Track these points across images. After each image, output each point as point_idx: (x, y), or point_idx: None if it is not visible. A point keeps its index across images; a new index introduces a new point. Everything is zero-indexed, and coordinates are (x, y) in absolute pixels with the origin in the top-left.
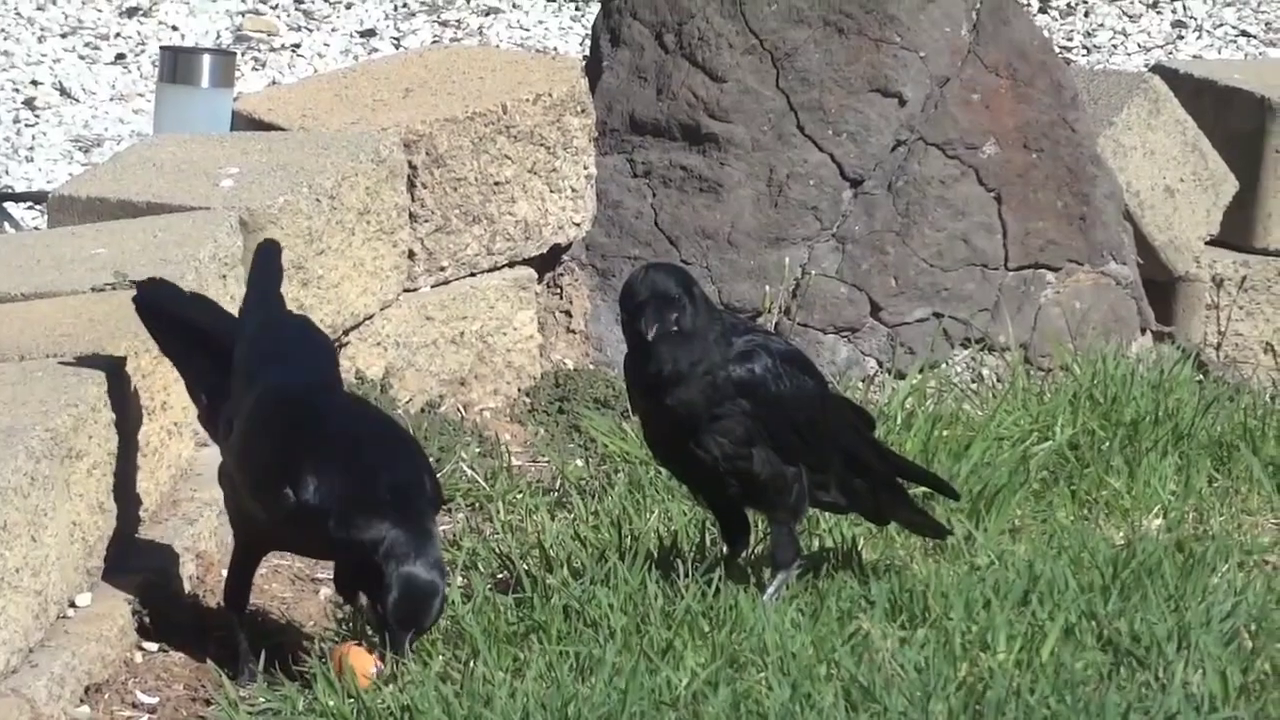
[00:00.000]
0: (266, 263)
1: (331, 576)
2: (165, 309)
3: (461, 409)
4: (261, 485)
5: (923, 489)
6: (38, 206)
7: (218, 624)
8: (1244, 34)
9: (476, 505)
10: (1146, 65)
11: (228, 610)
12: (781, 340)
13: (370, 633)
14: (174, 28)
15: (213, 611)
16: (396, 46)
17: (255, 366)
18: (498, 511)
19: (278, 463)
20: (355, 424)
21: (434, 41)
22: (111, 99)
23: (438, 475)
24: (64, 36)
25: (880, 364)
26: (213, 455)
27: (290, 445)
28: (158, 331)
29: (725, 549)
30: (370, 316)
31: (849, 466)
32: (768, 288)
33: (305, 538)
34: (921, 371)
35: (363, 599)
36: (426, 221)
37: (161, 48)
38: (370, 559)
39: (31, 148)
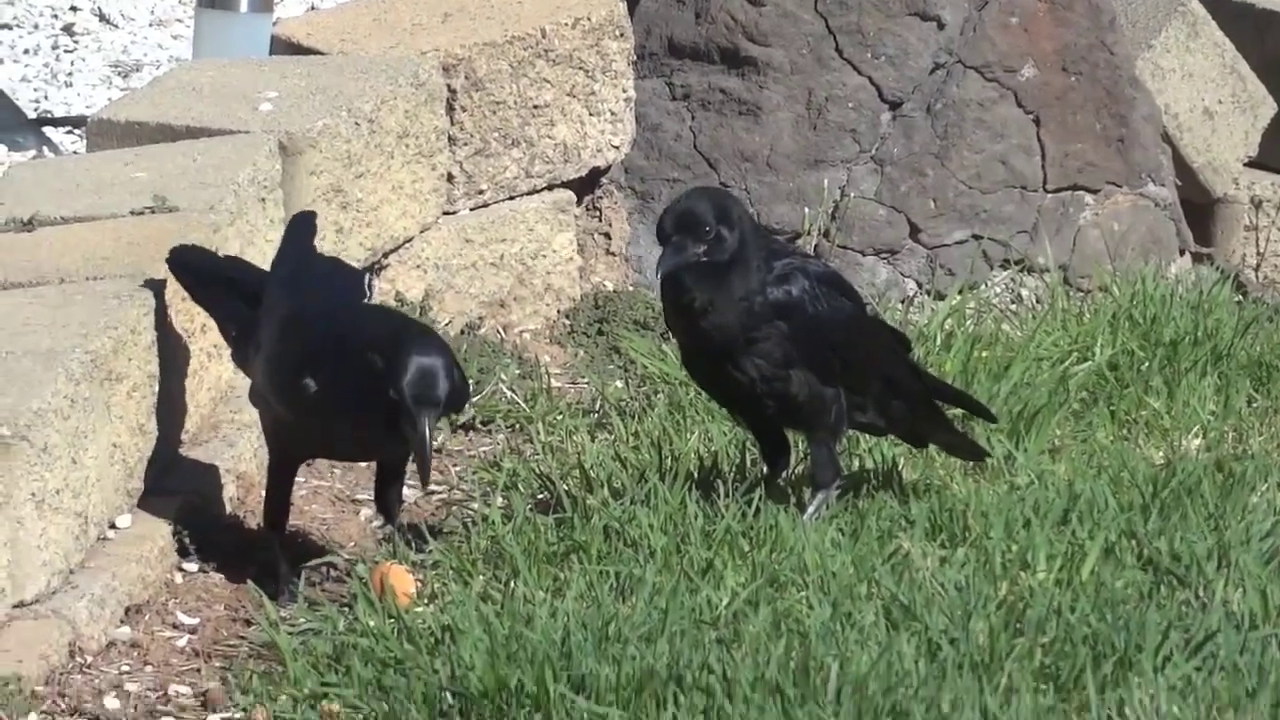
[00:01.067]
0: (301, 225)
1: (371, 497)
2: (197, 265)
3: (501, 331)
4: (282, 383)
5: (961, 411)
6: (77, 131)
7: (258, 545)
8: None
9: (516, 427)
10: None
11: (267, 530)
12: (820, 263)
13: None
14: None
15: (253, 533)
16: None
17: (281, 296)
18: (538, 433)
19: (295, 358)
20: (376, 318)
21: None
22: (150, 24)
23: (477, 396)
24: None
25: (919, 285)
26: None
27: (308, 341)
28: (191, 285)
29: (765, 469)
30: (410, 239)
31: (887, 388)
32: (807, 210)
33: (330, 431)
34: (961, 293)
35: (398, 513)
36: (465, 145)
37: None
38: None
39: (70, 73)
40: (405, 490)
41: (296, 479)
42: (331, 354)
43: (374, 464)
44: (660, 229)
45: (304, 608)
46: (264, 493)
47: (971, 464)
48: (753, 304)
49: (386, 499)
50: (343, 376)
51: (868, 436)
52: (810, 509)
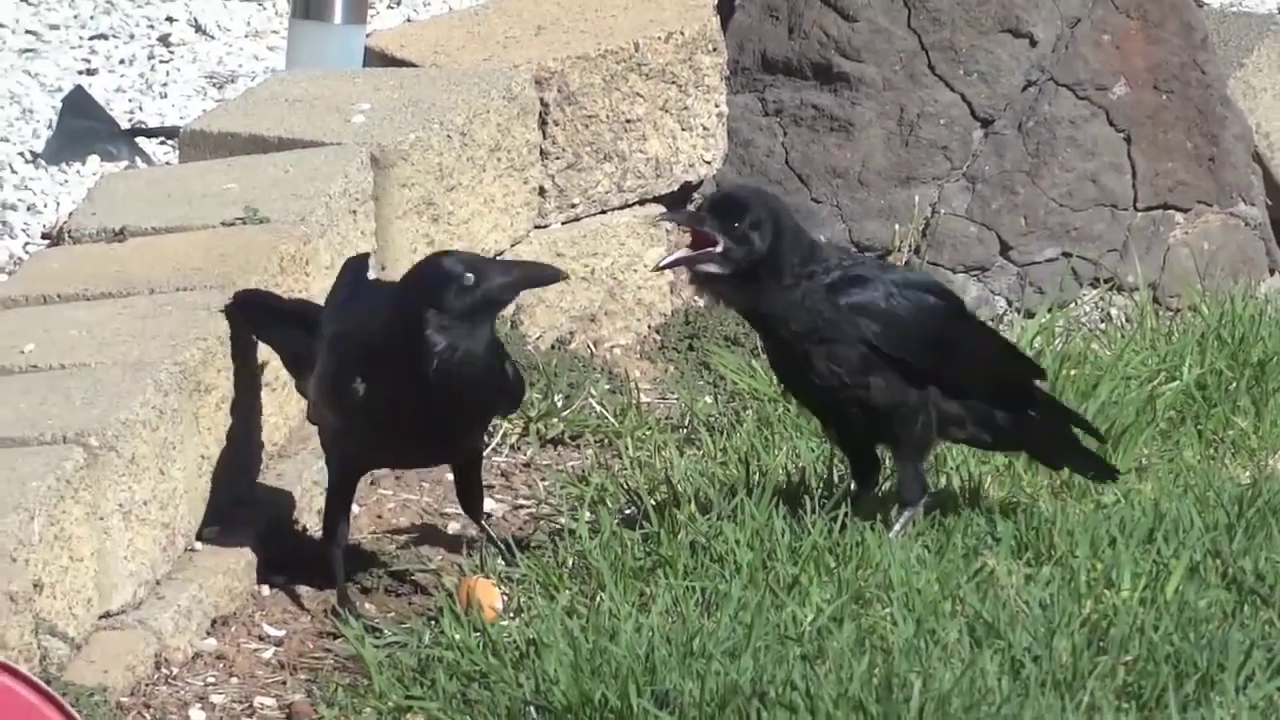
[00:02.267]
0: (354, 265)
1: (459, 510)
2: (260, 303)
3: (591, 345)
4: (331, 389)
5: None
6: (170, 142)
7: (346, 560)
8: None
9: (605, 441)
10: (1278, 8)
11: (327, 544)
12: (902, 268)
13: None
14: None
15: None
16: None
17: (331, 318)
18: (626, 448)
19: (342, 366)
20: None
21: None
22: (246, 35)
23: (566, 411)
24: None
25: (1009, 303)
26: None
27: (354, 347)
28: (254, 323)
29: (854, 486)
30: (501, 253)
31: (992, 398)
32: (897, 226)
33: (382, 432)
34: (1050, 311)
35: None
36: (558, 159)
37: None
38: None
39: (165, 84)
40: (492, 504)
41: (384, 493)
42: (375, 356)
43: (451, 471)
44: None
45: (390, 620)
46: (324, 508)
47: (1059, 481)
48: (820, 306)
49: (469, 501)
50: (387, 375)
51: (955, 451)
52: (896, 526)
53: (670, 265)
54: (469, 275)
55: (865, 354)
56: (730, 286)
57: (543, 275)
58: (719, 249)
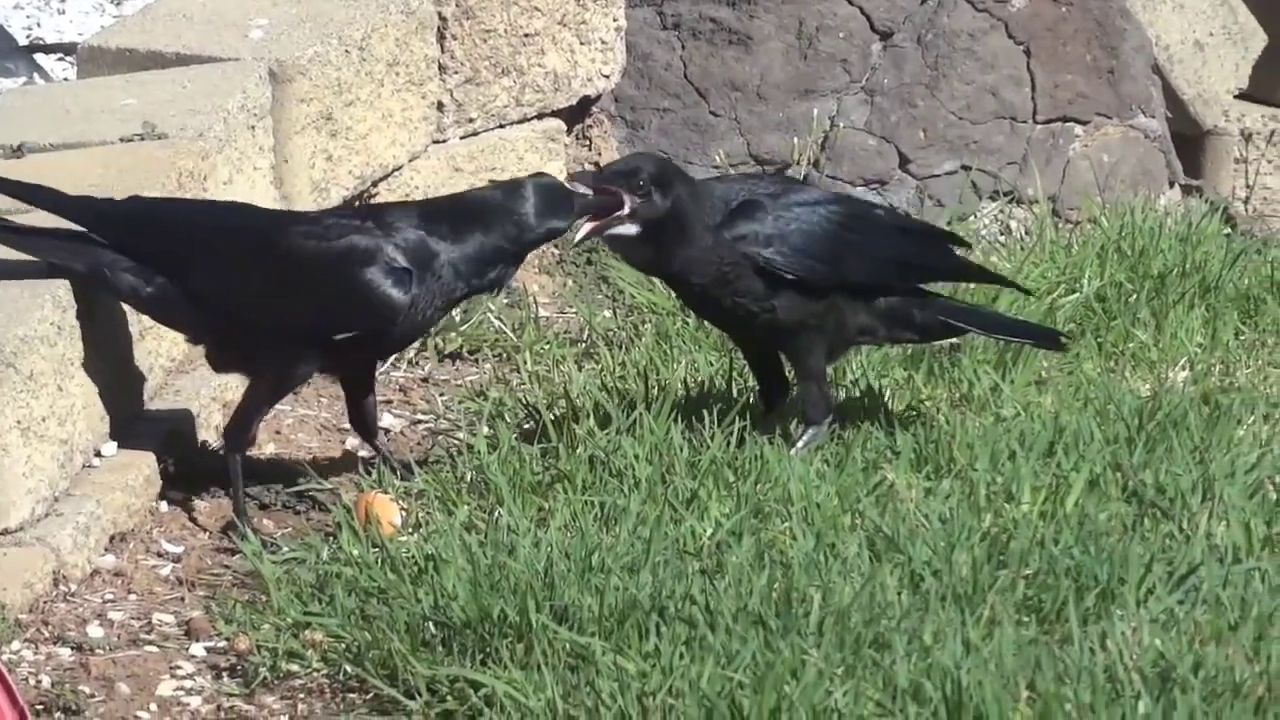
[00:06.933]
0: None
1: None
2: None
3: None
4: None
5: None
6: (68, 58)
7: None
8: None
9: (503, 356)
10: None
11: (230, 453)
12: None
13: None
14: None
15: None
16: None
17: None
18: (525, 362)
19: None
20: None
21: None
22: None
23: (464, 326)
24: None
25: (909, 216)
26: None
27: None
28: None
29: (761, 405)
30: (399, 168)
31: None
32: (796, 140)
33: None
34: (950, 224)
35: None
36: (456, 73)
37: None
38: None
39: (63, 0)
40: (390, 420)
41: (282, 408)
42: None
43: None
44: (596, 176)
45: (288, 536)
46: (238, 416)
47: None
48: (719, 244)
49: (363, 418)
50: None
51: (855, 363)
52: (799, 444)
53: (586, 237)
54: None
55: (764, 280)
56: (643, 246)
57: None
58: (626, 210)
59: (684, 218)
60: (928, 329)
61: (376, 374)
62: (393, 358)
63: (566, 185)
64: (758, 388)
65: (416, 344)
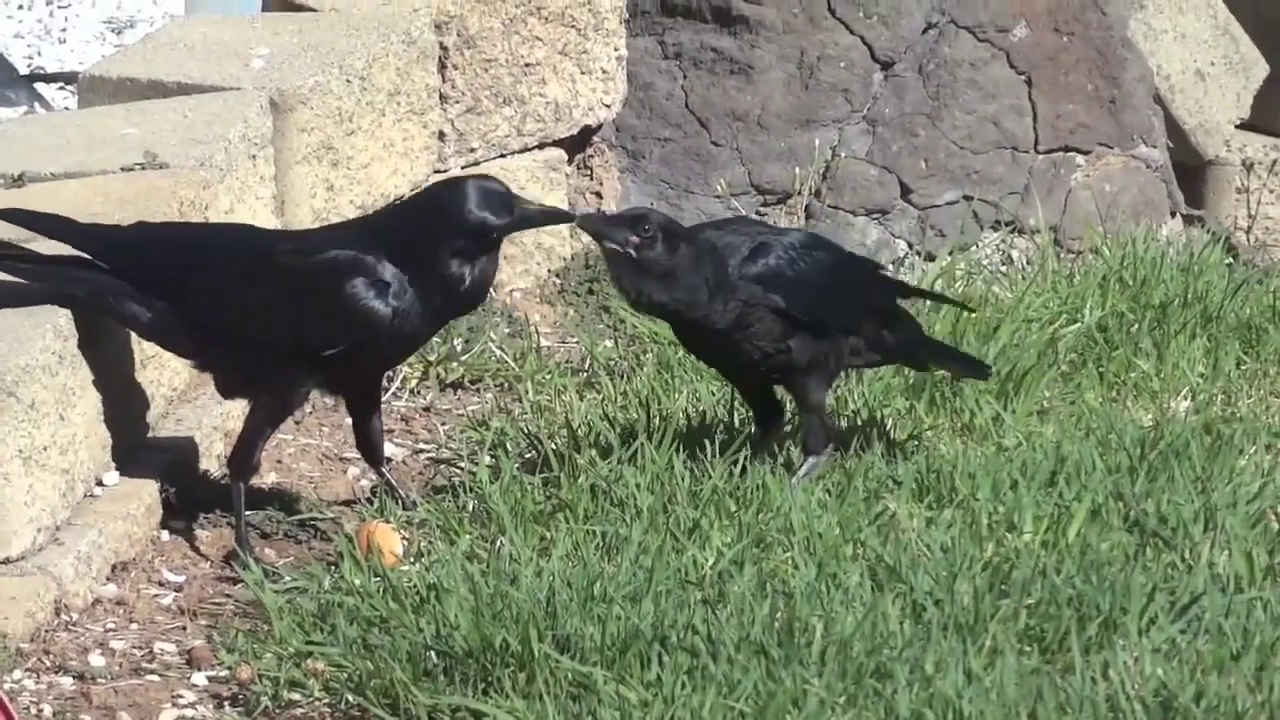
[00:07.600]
0: None
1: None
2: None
3: (491, 289)
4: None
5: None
6: (69, 87)
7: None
8: None
9: (505, 385)
10: None
11: (234, 480)
12: (787, 230)
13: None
14: None
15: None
16: None
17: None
18: (526, 391)
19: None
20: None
21: None
22: None
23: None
24: None
25: (910, 246)
26: None
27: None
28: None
29: (757, 431)
30: (400, 197)
31: (879, 323)
32: (798, 170)
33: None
34: (951, 254)
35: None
36: (457, 103)
37: None
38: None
39: (64, 29)
40: (392, 449)
41: (284, 437)
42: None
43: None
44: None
45: (290, 565)
46: (240, 445)
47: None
48: (736, 290)
49: (369, 448)
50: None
51: (858, 395)
52: (800, 472)
53: (589, 223)
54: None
55: (782, 322)
56: (641, 273)
57: None
58: (633, 241)
59: (689, 278)
60: (894, 351)
61: (382, 400)
62: (395, 384)
63: (509, 189)
64: (751, 411)
65: (419, 374)
